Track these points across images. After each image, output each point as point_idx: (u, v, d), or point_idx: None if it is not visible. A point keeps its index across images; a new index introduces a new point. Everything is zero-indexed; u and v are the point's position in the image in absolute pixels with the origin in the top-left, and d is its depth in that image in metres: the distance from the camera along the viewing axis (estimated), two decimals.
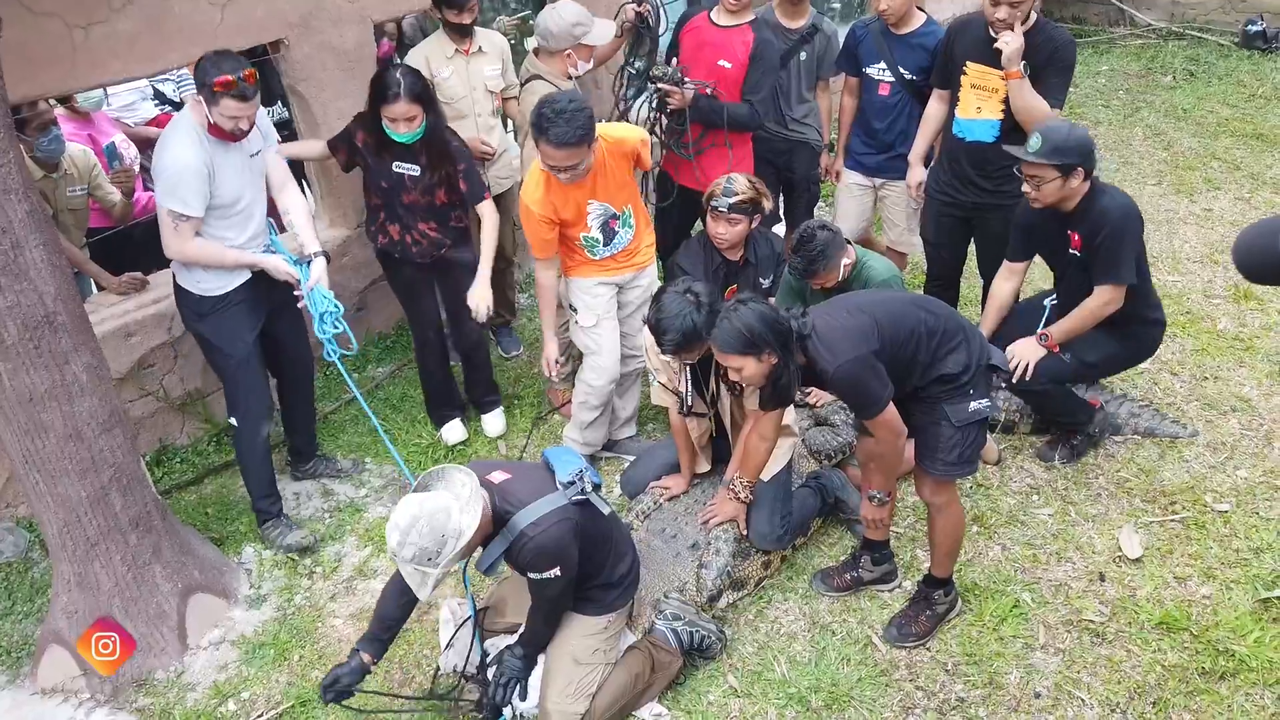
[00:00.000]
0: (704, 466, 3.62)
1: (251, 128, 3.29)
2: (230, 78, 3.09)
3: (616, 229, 3.72)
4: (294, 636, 3.40)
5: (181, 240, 3.30)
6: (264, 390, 3.66)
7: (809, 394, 3.91)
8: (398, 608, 2.85)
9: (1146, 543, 3.47)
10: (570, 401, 4.13)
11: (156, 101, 5.26)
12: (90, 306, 3.84)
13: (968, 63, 3.84)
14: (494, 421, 4.38)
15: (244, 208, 3.41)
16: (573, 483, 2.74)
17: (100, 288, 4.19)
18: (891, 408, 2.84)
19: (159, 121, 5.24)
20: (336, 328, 3.59)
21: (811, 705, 2.99)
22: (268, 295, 3.55)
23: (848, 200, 4.67)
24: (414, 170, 3.75)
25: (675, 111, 4.06)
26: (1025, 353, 3.60)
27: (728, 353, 2.82)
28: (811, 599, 3.39)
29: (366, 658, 2.84)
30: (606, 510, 2.91)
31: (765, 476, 3.35)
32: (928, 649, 3.16)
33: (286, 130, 4.85)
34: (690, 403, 3.40)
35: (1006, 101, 3.75)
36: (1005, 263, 3.78)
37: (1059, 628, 3.20)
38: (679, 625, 3.10)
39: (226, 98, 3.12)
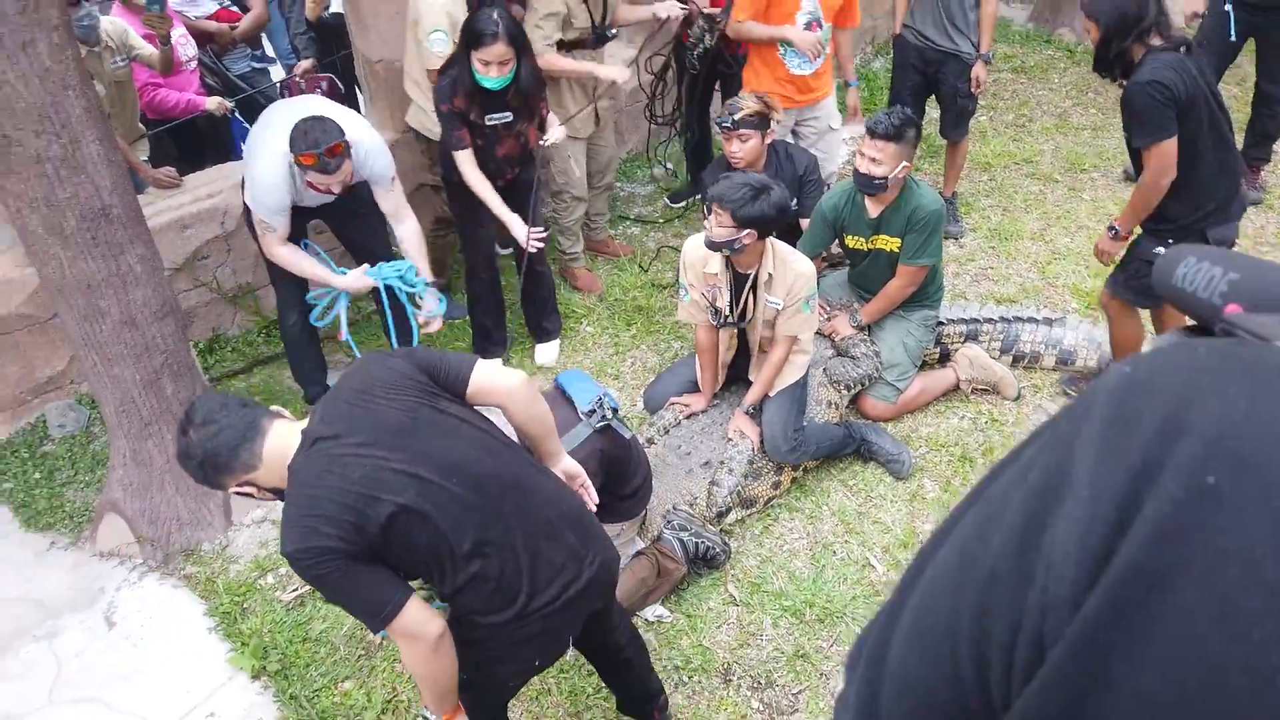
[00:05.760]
0: (719, 384, 3.70)
1: (344, 188, 3.40)
2: (313, 154, 3.17)
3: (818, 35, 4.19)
4: None
5: (269, 245, 3.54)
6: (290, 282, 3.76)
7: (830, 320, 3.96)
8: None
9: None
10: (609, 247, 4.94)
11: None
12: (145, 199, 4.01)
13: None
14: (548, 351, 4.33)
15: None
16: (594, 411, 2.83)
17: None
18: (1168, 147, 3.15)
19: (218, 16, 5.30)
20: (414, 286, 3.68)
21: (805, 618, 3.15)
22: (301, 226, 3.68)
23: None
24: (507, 117, 3.71)
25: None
26: None
27: None
28: (816, 519, 3.51)
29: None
30: (627, 435, 3.01)
31: (780, 387, 3.46)
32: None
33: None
34: (727, 315, 3.44)
35: None
36: None
37: None
38: (685, 536, 3.25)
39: (310, 171, 3.24)
